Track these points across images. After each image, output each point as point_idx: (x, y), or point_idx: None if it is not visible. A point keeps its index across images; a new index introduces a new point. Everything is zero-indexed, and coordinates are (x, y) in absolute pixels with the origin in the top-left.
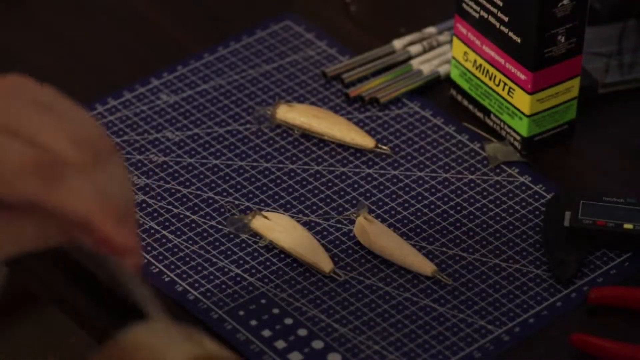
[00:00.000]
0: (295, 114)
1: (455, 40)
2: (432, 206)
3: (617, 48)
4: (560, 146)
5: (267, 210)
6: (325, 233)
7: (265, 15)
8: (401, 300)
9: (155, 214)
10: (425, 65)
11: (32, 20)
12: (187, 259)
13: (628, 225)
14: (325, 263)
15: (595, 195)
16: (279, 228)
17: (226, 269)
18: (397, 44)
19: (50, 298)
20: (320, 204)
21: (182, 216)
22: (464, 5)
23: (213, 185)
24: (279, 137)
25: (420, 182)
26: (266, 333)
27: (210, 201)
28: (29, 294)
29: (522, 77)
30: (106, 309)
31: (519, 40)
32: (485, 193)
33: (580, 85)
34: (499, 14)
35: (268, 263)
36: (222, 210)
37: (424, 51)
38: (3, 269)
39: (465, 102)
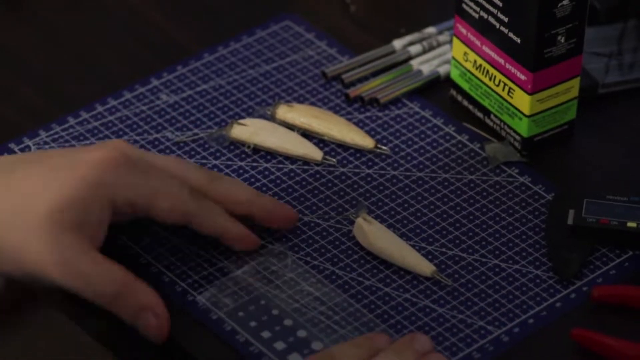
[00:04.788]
0: (295, 114)
1: (455, 41)
2: (432, 206)
3: (617, 48)
4: (560, 146)
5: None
6: (325, 233)
7: (265, 15)
8: (400, 301)
9: None
10: (425, 66)
11: (32, 20)
12: (187, 259)
13: (632, 224)
14: (315, 152)
15: (599, 193)
16: (260, 131)
17: (226, 270)
18: (397, 44)
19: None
20: (320, 204)
21: None
22: (464, 6)
23: None
24: None
25: (420, 182)
26: (266, 334)
27: None
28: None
29: (522, 77)
30: None
31: (518, 40)
32: (485, 193)
33: (580, 85)
34: (499, 14)
35: (267, 264)
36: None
37: (424, 51)
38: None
39: (465, 102)
